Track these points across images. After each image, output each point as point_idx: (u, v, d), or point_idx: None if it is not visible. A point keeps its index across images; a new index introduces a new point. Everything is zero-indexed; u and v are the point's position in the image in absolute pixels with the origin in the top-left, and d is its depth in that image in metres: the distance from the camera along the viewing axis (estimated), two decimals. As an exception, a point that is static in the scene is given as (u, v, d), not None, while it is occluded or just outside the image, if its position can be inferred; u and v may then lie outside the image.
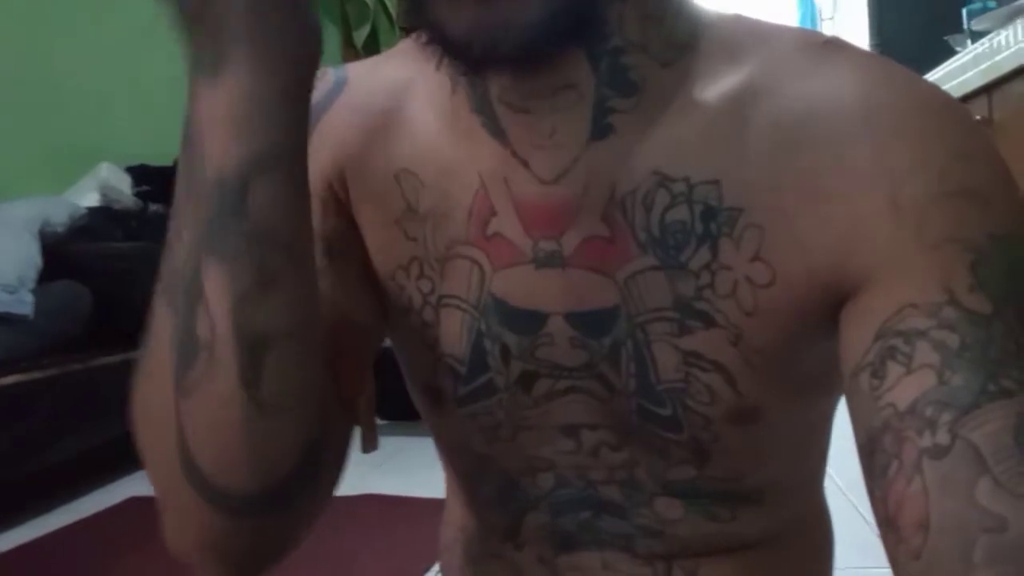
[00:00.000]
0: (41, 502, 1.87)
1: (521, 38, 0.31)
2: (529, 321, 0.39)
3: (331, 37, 3.67)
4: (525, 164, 0.37)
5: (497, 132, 0.37)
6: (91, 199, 2.38)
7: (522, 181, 0.37)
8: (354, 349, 0.42)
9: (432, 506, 0.54)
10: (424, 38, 0.33)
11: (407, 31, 0.43)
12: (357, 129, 0.42)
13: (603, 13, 0.34)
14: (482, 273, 0.39)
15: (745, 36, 0.37)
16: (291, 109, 0.32)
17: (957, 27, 2.04)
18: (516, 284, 0.38)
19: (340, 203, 0.43)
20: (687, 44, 0.36)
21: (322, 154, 0.42)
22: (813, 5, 4.30)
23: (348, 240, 0.42)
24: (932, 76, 1.87)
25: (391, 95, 0.42)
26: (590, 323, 0.38)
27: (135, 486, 2.01)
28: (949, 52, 1.99)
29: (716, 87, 0.36)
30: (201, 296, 0.31)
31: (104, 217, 2.36)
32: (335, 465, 0.40)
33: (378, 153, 0.42)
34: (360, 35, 3.50)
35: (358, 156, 0.42)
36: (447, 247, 0.40)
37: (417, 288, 0.41)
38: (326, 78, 0.45)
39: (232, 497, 0.33)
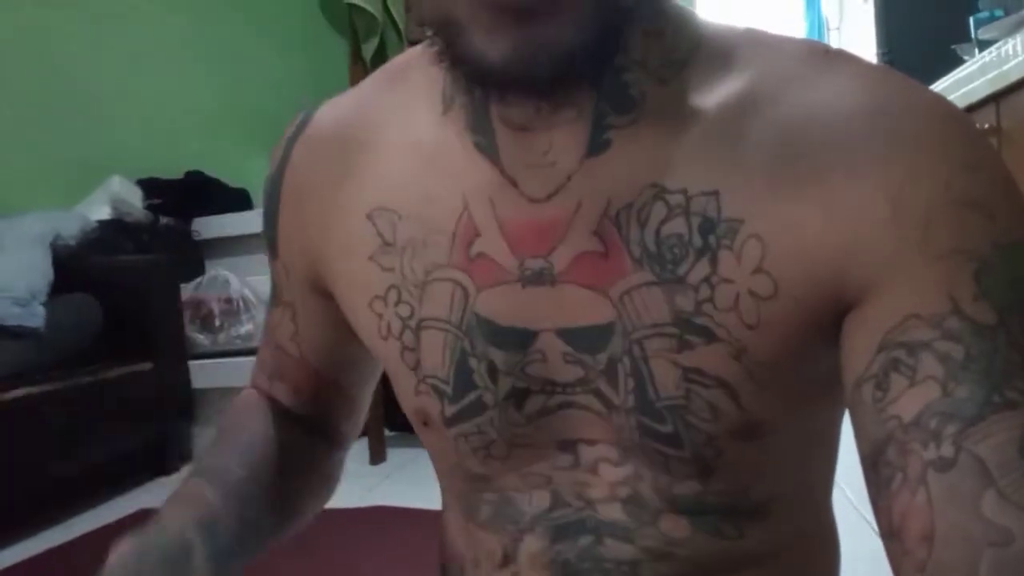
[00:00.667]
0: (51, 514, 1.87)
1: (558, 60, 0.31)
2: (517, 338, 0.38)
3: (339, 50, 3.70)
4: (514, 183, 0.37)
5: (490, 150, 0.37)
6: (102, 212, 2.40)
7: (509, 201, 0.37)
8: (334, 392, 0.52)
9: (438, 517, 0.54)
10: (447, 62, 0.34)
11: (414, 44, 0.44)
12: (321, 175, 0.44)
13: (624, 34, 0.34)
14: (465, 293, 0.39)
15: (745, 47, 0.37)
16: None
17: (964, 36, 2.04)
18: (501, 303, 0.38)
19: (307, 275, 0.47)
20: (687, 58, 0.36)
21: (289, 219, 0.46)
22: (820, 15, 4.31)
23: (312, 307, 0.48)
24: (939, 85, 1.87)
25: (365, 127, 0.43)
26: (583, 339, 0.37)
27: (145, 498, 2.01)
28: (957, 61, 1.99)
29: (715, 97, 0.36)
30: None
31: (115, 230, 2.37)
32: (340, 460, 0.57)
33: (349, 195, 0.43)
34: (368, 48, 3.51)
35: (326, 204, 0.44)
36: (426, 273, 0.40)
37: (396, 314, 0.41)
38: (294, 122, 0.47)
39: None
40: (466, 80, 0.35)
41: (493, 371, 0.39)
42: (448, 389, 0.40)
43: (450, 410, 0.41)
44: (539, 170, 0.36)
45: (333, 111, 0.46)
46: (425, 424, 0.43)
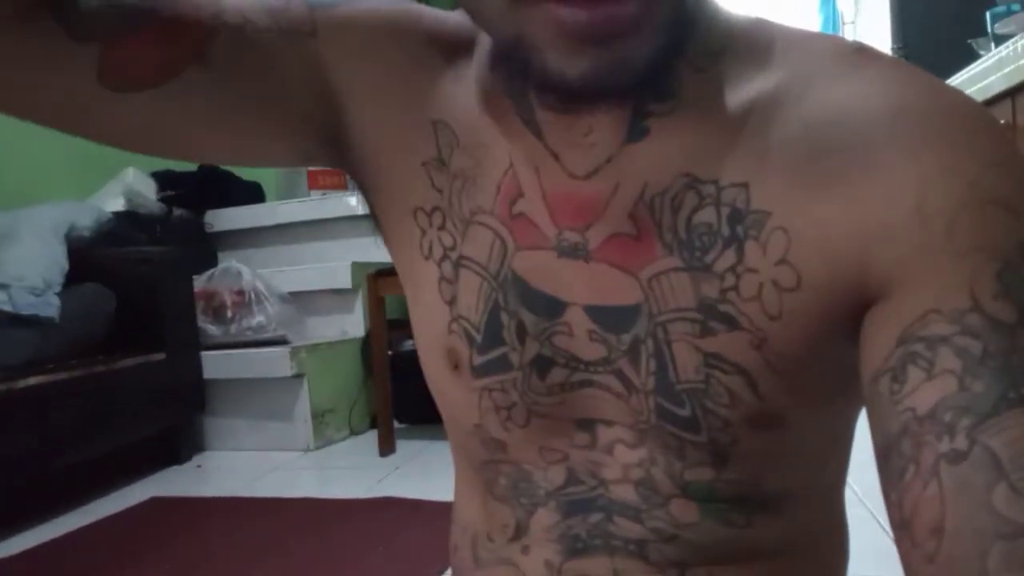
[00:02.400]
0: (64, 501, 1.89)
1: (637, 74, 0.32)
2: (548, 305, 0.39)
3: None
4: (556, 157, 0.37)
5: (530, 124, 0.38)
6: (117, 204, 2.43)
7: (553, 172, 0.38)
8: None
9: (449, 510, 0.54)
10: (512, 76, 0.35)
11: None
12: (423, 44, 0.43)
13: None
14: (504, 247, 0.40)
15: (776, 43, 0.38)
16: None
17: (980, 31, 2.02)
18: (537, 267, 0.39)
19: (321, 76, 0.42)
20: (720, 50, 0.37)
21: (371, 25, 0.42)
22: (835, 9, 4.27)
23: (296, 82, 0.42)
24: (955, 80, 1.85)
25: (459, 40, 0.43)
26: (610, 318, 0.38)
27: (156, 487, 2.03)
28: (972, 56, 1.97)
29: (747, 92, 0.36)
30: None
31: (129, 222, 2.40)
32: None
33: (421, 85, 0.42)
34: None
35: (399, 67, 0.42)
36: (471, 212, 0.40)
37: (438, 238, 0.42)
38: None
39: None
40: (541, 91, 0.36)
41: (522, 331, 0.40)
42: (478, 337, 0.41)
43: (478, 359, 0.42)
44: (580, 149, 0.37)
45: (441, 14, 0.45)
46: (455, 368, 0.43)
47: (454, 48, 0.43)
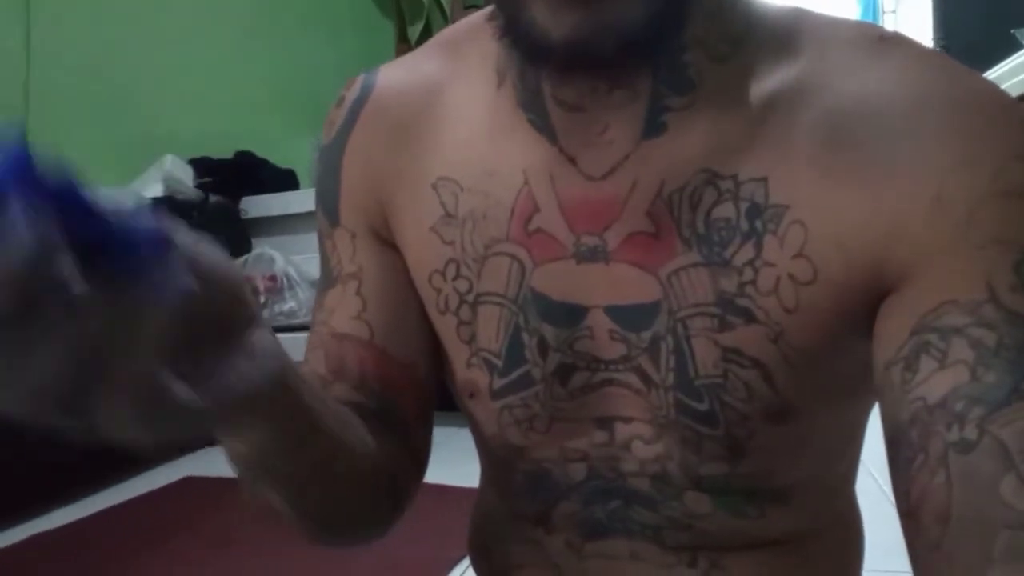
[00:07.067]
0: (100, 479, 1.93)
1: (624, 38, 0.31)
2: (568, 314, 0.39)
3: (385, 32, 3.72)
4: (573, 161, 0.37)
5: (545, 129, 0.38)
6: (155, 190, 2.47)
7: (568, 177, 0.37)
8: (407, 380, 0.45)
9: (473, 496, 0.55)
10: (509, 39, 0.35)
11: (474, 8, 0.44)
12: (387, 140, 0.43)
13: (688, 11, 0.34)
14: (522, 268, 0.39)
15: (799, 30, 0.37)
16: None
17: (1025, 20, 1.96)
18: (556, 278, 0.39)
19: (375, 233, 0.45)
20: (741, 38, 0.36)
21: (355, 182, 0.44)
22: (875, -2, 4.17)
23: (384, 268, 0.44)
24: (997, 70, 1.80)
25: (425, 95, 0.43)
26: (630, 317, 0.38)
27: (190, 466, 2.08)
28: (1016, 46, 1.92)
29: (769, 82, 0.36)
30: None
31: (167, 207, 2.44)
32: (415, 478, 0.48)
33: (413, 163, 0.42)
34: (414, 30, 3.54)
35: (391, 170, 0.43)
36: (486, 247, 0.40)
37: (454, 288, 0.42)
38: (353, 87, 0.46)
39: (322, 542, 0.43)
40: (527, 58, 0.36)
41: (543, 346, 0.40)
42: (499, 363, 0.41)
43: (498, 383, 0.42)
44: (596, 149, 0.37)
45: (393, 77, 0.45)
46: (471, 396, 0.43)
47: (432, 88, 0.43)
